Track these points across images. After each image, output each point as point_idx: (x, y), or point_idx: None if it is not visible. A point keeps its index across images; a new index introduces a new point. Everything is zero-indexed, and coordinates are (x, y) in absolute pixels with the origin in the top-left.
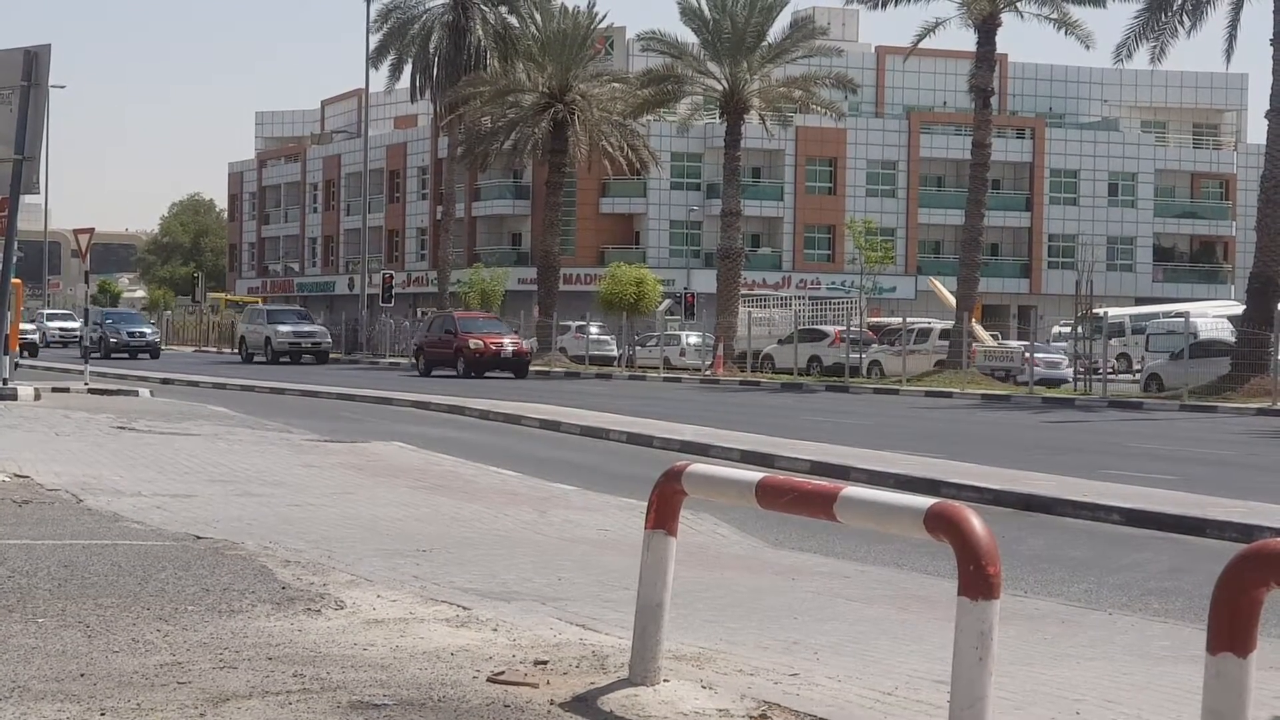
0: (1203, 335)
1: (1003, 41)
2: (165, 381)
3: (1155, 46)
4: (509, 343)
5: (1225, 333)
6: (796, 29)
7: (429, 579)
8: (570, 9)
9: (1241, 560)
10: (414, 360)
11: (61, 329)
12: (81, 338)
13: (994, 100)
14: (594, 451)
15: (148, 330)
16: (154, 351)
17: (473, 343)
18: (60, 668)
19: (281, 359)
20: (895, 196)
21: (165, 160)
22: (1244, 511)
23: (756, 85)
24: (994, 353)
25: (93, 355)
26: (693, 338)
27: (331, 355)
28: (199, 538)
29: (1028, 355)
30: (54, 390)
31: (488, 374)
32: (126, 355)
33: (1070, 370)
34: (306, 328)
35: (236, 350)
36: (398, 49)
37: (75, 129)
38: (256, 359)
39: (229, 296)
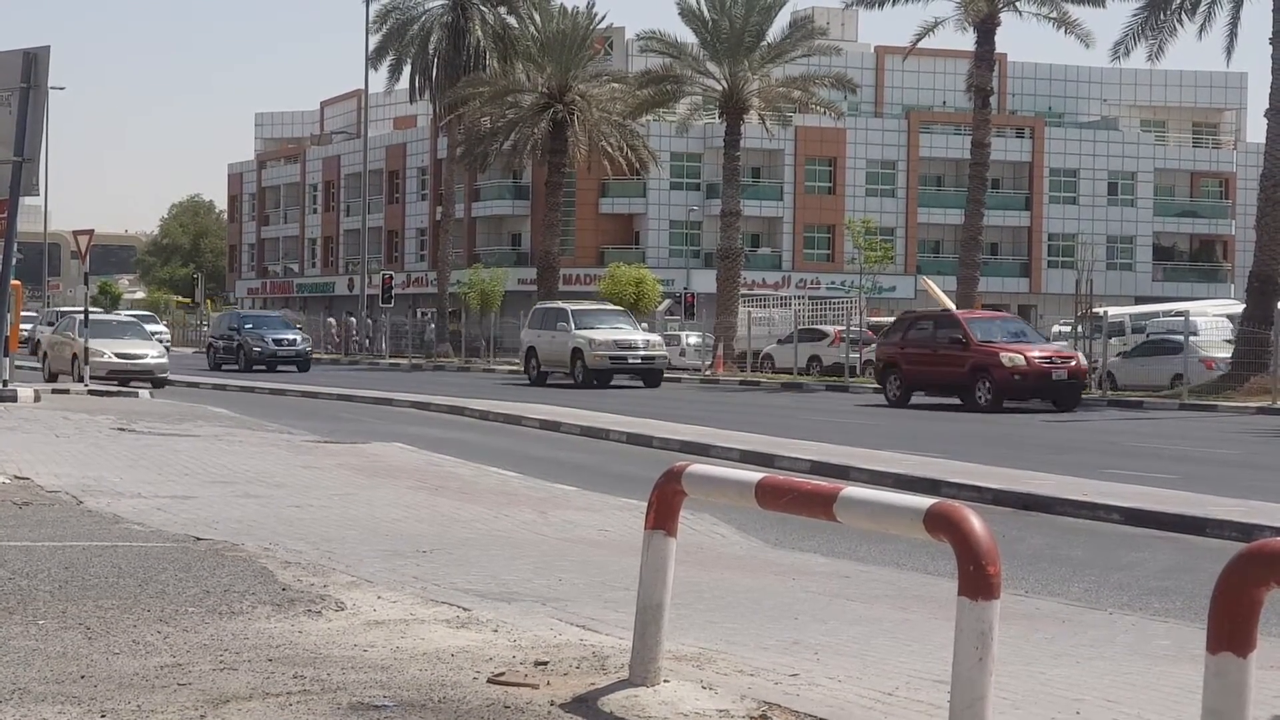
0: (1153, 335)
1: (1002, 41)
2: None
3: (1154, 45)
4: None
5: (1225, 332)
6: (796, 29)
7: (429, 580)
8: (569, 9)
9: (1241, 559)
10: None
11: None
12: (211, 345)
13: (993, 100)
14: (594, 452)
15: (297, 338)
16: (303, 364)
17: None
18: (61, 669)
19: (256, 367)
20: (895, 196)
21: (165, 162)
22: (1244, 511)
23: (756, 85)
24: None
25: (226, 366)
26: (692, 338)
27: (332, 357)
28: (199, 539)
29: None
30: (54, 392)
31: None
32: (265, 368)
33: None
34: (286, 336)
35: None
36: (397, 50)
37: (74, 130)
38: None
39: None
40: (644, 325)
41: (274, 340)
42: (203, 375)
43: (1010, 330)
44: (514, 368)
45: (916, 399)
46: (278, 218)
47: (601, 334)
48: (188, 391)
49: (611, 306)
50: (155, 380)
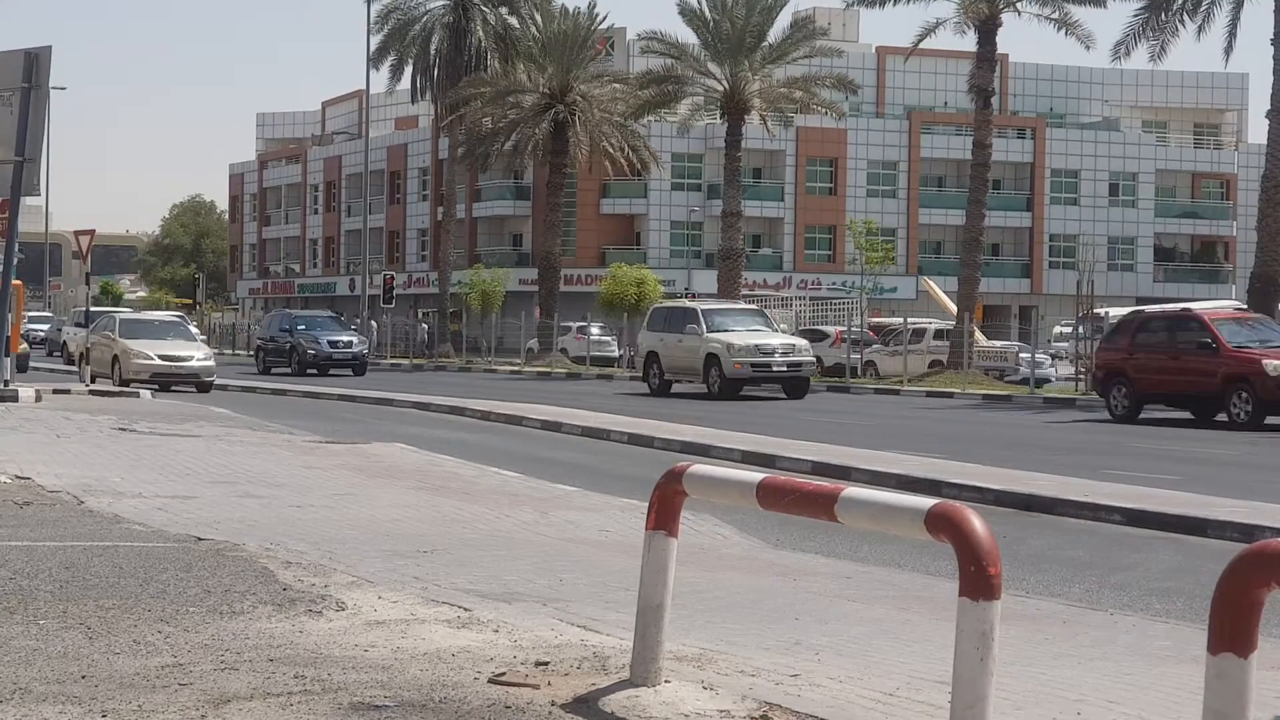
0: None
1: (1003, 41)
2: None
3: (1155, 46)
4: None
5: None
6: (797, 29)
7: (430, 580)
8: (571, 10)
9: (1242, 560)
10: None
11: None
12: (261, 348)
13: (994, 100)
14: (595, 452)
15: (354, 340)
16: (359, 367)
17: None
18: (62, 669)
19: (309, 370)
20: (896, 197)
21: (166, 162)
22: (1245, 511)
23: (757, 86)
24: (985, 352)
25: (277, 369)
26: None
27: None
28: (200, 539)
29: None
30: (55, 392)
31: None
32: (315, 372)
33: (1054, 369)
34: (342, 338)
35: (253, 356)
36: (398, 50)
37: (75, 130)
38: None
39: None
40: (781, 327)
41: (329, 342)
42: (253, 378)
43: (1260, 334)
44: (515, 367)
45: (1063, 411)
46: (279, 218)
47: (740, 337)
48: (188, 391)
49: (743, 305)
50: (201, 384)
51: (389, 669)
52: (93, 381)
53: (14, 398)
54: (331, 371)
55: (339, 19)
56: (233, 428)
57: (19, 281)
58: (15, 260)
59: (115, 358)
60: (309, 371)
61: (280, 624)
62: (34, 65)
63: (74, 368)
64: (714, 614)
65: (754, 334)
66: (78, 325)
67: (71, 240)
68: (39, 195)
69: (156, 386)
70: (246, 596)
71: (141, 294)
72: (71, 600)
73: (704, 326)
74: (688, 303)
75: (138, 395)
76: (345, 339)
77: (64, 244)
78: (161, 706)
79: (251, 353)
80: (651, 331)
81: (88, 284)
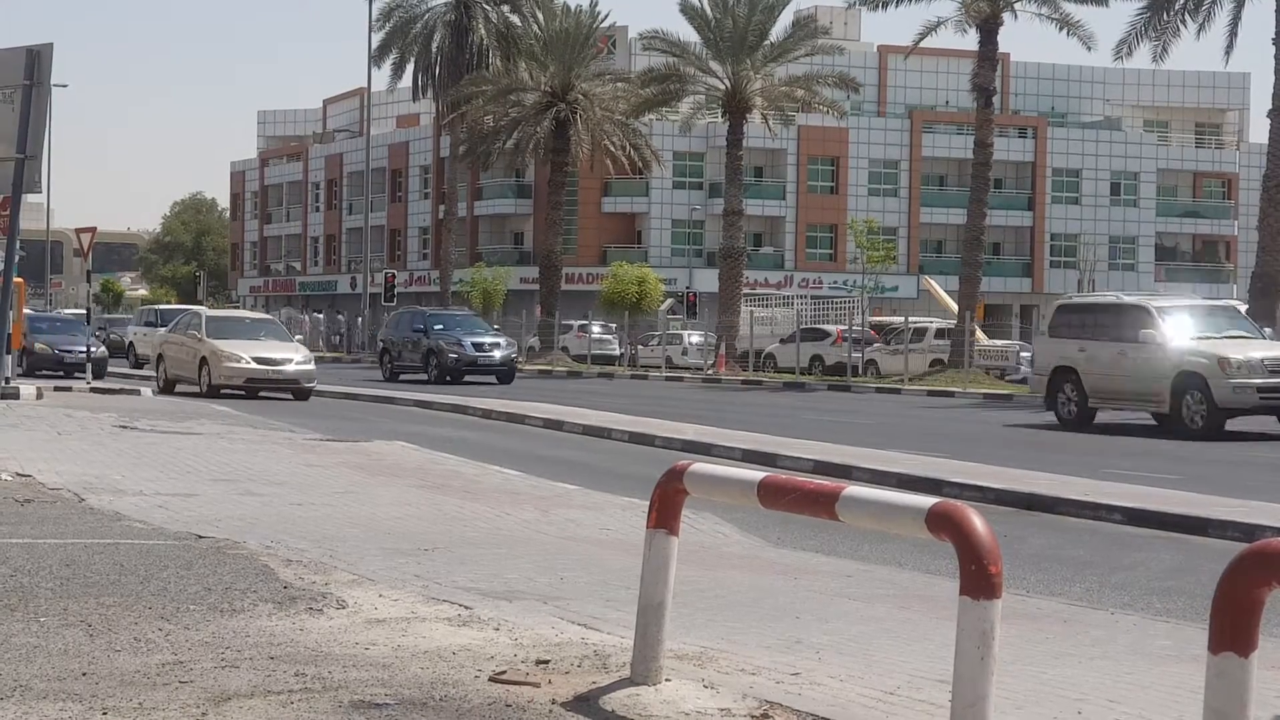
0: None
1: (1005, 41)
2: None
3: (1157, 45)
4: None
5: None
6: (798, 28)
7: (431, 578)
8: (572, 8)
9: (1243, 560)
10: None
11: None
12: (387, 350)
13: (996, 99)
14: (596, 451)
15: (500, 341)
16: (506, 374)
17: None
18: (62, 667)
19: (446, 378)
20: (897, 196)
21: (167, 159)
22: (1246, 511)
23: (759, 84)
24: (986, 351)
25: (407, 376)
26: (695, 337)
27: (335, 355)
28: (201, 537)
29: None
30: (56, 389)
31: None
32: (450, 379)
33: None
34: (487, 339)
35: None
36: (400, 48)
37: (77, 128)
38: (404, 377)
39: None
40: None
41: (474, 345)
42: (378, 386)
43: None
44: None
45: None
46: (280, 216)
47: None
48: (189, 391)
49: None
50: (299, 391)
51: (389, 667)
52: (171, 389)
53: (15, 395)
54: (468, 379)
55: (340, 17)
56: (234, 425)
57: (20, 279)
58: (17, 258)
59: (203, 360)
60: (446, 379)
61: (281, 622)
62: (35, 62)
63: (143, 371)
64: (715, 612)
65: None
66: (148, 324)
67: (73, 238)
68: (40, 193)
69: (243, 394)
70: (247, 594)
71: (142, 292)
72: (72, 598)
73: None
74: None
75: (138, 393)
76: (489, 340)
77: (65, 241)
78: (162, 704)
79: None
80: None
81: (89, 282)
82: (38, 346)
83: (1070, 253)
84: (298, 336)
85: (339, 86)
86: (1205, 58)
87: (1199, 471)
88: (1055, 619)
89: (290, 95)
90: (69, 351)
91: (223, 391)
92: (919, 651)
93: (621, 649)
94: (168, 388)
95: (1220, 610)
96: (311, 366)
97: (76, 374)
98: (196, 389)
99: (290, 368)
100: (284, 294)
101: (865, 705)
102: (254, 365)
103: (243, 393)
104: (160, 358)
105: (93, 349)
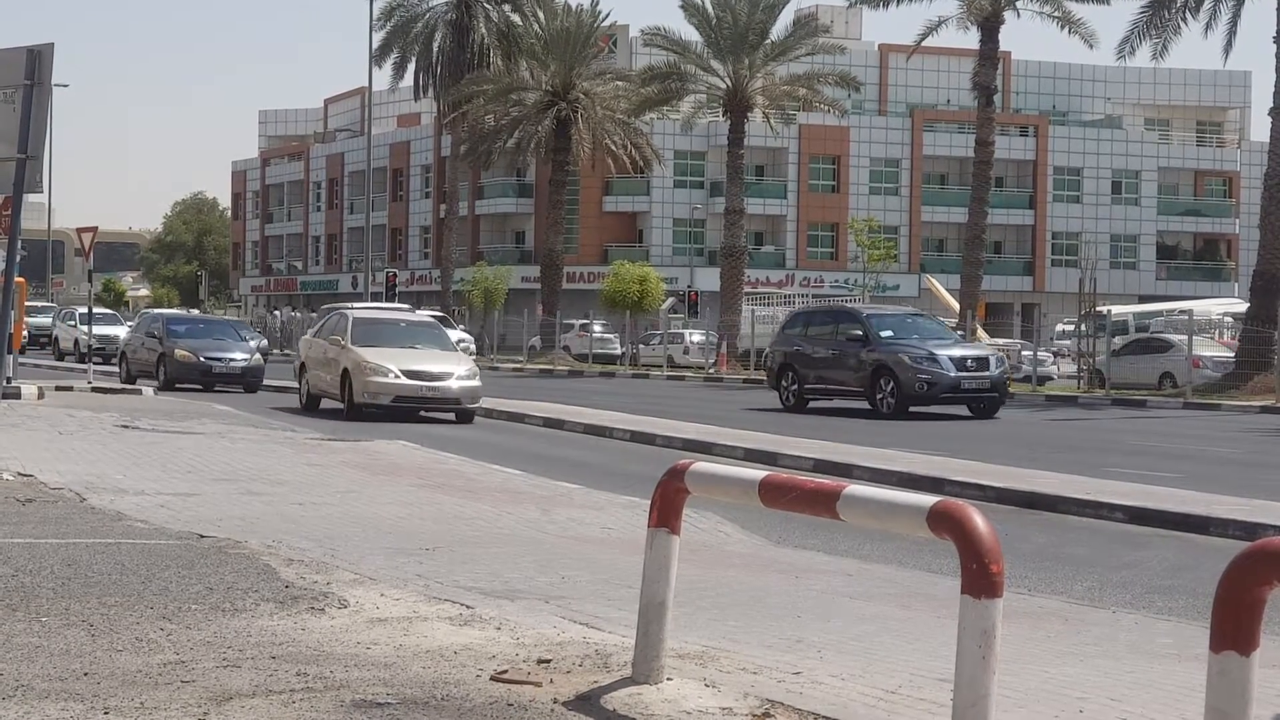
0: (1139, 334)
1: (1006, 39)
2: (112, 374)
3: (1158, 44)
4: None
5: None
6: (799, 27)
7: (432, 577)
8: (573, 7)
9: (1245, 558)
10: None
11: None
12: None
13: (997, 98)
14: (597, 450)
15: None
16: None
17: None
18: (64, 666)
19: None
20: (898, 194)
21: (168, 159)
22: (1247, 509)
23: (760, 83)
24: None
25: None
26: (696, 336)
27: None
28: (202, 536)
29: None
30: (57, 389)
31: None
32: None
33: (1056, 367)
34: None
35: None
36: (401, 47)
37: (78, 128)
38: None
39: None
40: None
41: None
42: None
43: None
44: (517, 364)
45: None
46: (281, 215)
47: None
48: (190, 389)
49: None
50: (461, 412)
51: (391, 666)
52: (316, 406)
53: (16, 394)
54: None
55: (341, 17)
56: (235, 425)
57: (22, 278)
58: (18, 257)
59: (345, 373)
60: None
61: (282, 621)
62: (36, 62)
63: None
64: (716, 611)
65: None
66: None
67: (74, 237)
68: (42, 192)
69: (390, 417)
70: (249, 594)
71: (144, 291)
72: (74, 597)
73: None
74: None
75: (140, 393)
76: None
77: (67, 241)
78: (164, 704)
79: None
80: None
81: (90, 281)
82: (178, 354)
83: (1071, 251)
84: (257, 340)
85: (340, 86)
86: (1206, 56)
87: (1195, 469)
88: (1057, 617)
89: (291, 95)
90: (217, 359)
91: (367, 410)
92: (920, 650)
93: (623, 648)
94: (311, 405)
95: (1222, 609)
96: (476, 382)
97: (225, 388)
98: (341, 406)
99: (449, 384)
100: (285, 293)
101: (867, 704)
102: (404, 381)
103: (388, 415)
104: (303, 367)
105: (249, 357)
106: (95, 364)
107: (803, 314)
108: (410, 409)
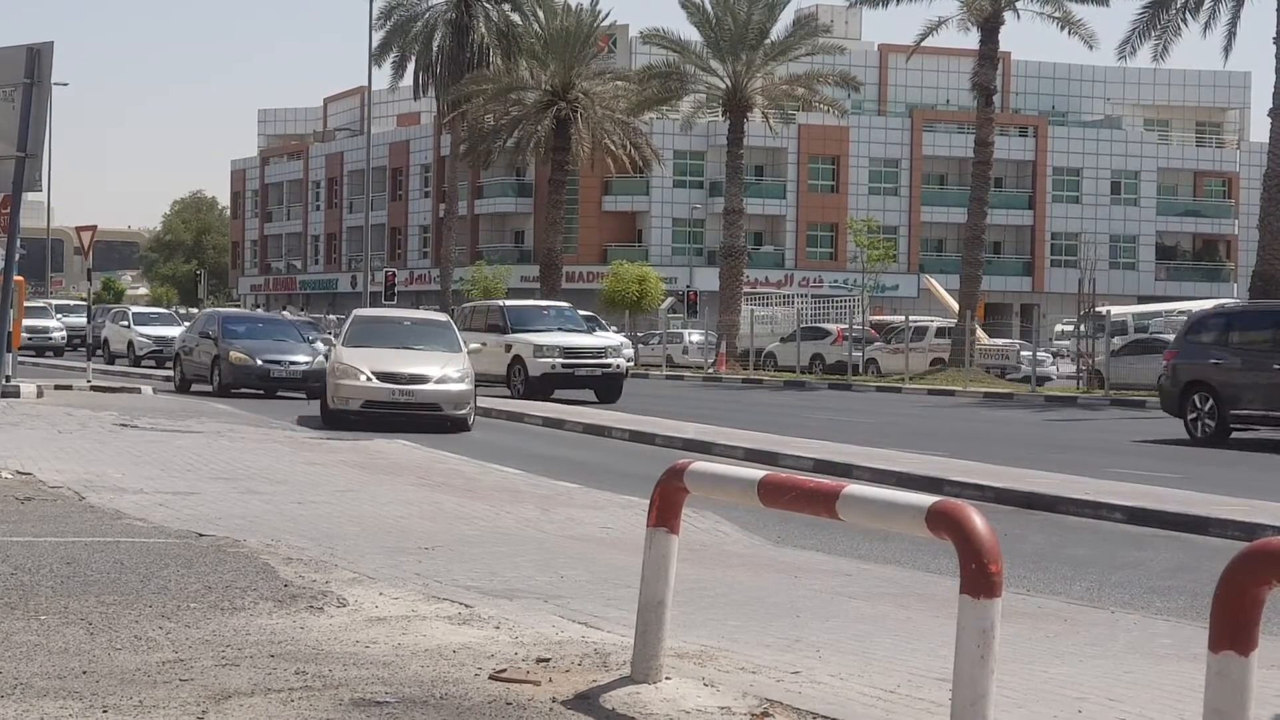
0: (1139, 334)
1: (1005, 40)
2: (168, 379)
3: (1158, 45)
4: None
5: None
6: (799, 27)
7: (431, 577)
8: (573, 7)
9: (1243, 558)
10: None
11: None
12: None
13: (997, 98)
14: (596, 449)
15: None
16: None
17: None
18: (62, 665)
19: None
20: (898, 194)
21: (168, 158)
22: (1246, 510)
23: (759, 83)
24: (987, 350)
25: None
26: (695, 336)
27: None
28: (201, 535)
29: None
30: (56, 388)
31: None
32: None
33: (1055, 368)
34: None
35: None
36: (400, 46)
37: (78, 126)
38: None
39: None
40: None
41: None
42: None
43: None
44: None
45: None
46: (281, 214)
47: None
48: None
49: None
50: (454, 420)
51: (390, 665)
52: (333, 422)
53: (15, 393)
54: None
55: (341, 15)
56: (234, 424)
57: (21, 277)
58: (17, 256)
59: (328, 374)
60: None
61: (281, 620)
62: (36, 61)
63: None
64: (715, 611)
65: None
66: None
67: (74, 236)
68: (41, 191)
69: (364, 424)
70: (248, 593)
71: (143, 290)
72: (73, 596)
73: None
74: None
75: (139, 391)
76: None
77: (66, 240)
78: (162, 702)
79: None
80: None
81: (90, 280)
82: (233, 356)
83: (1071, 251)
84: (321, 339)
85: (340, 85)
86: (1206, 57)
87: (1195, 470)
88: (1056, 617)
89: (291, 94)
90: (276, 362)
91: (344, 415)
92: (919, 650)
93: (622, 647)
94: (332, 421)
95: (1220, 609)
96: (463, 386)
97: (287, 393)
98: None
99: (430, 387)
100: (285, 292)
101: (865, 704)
102: (375, 384)
103: (362, 421)
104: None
105: (312, 359)
106: (148, 368)
107: (1222, 315)
108: (381, 416)
